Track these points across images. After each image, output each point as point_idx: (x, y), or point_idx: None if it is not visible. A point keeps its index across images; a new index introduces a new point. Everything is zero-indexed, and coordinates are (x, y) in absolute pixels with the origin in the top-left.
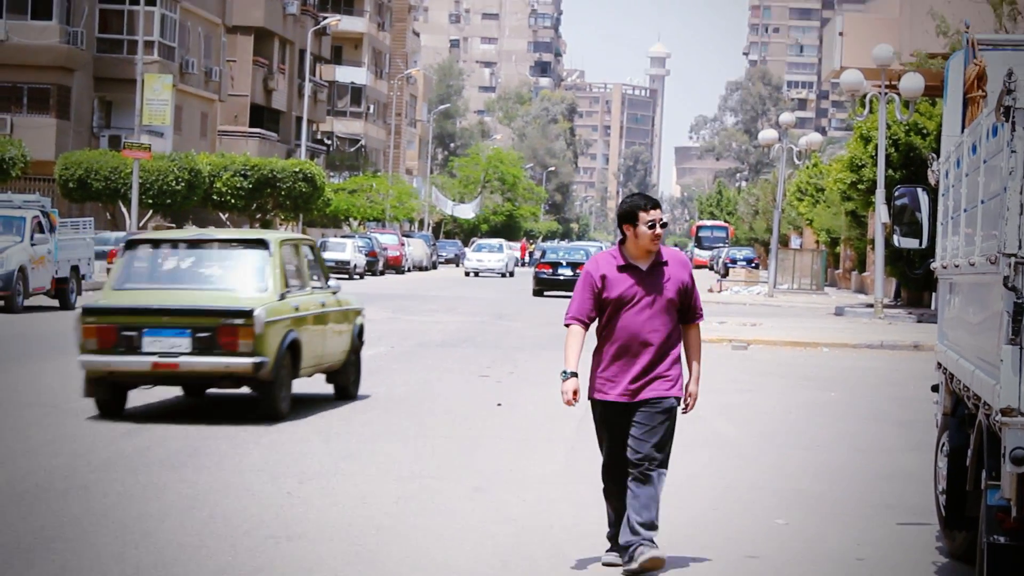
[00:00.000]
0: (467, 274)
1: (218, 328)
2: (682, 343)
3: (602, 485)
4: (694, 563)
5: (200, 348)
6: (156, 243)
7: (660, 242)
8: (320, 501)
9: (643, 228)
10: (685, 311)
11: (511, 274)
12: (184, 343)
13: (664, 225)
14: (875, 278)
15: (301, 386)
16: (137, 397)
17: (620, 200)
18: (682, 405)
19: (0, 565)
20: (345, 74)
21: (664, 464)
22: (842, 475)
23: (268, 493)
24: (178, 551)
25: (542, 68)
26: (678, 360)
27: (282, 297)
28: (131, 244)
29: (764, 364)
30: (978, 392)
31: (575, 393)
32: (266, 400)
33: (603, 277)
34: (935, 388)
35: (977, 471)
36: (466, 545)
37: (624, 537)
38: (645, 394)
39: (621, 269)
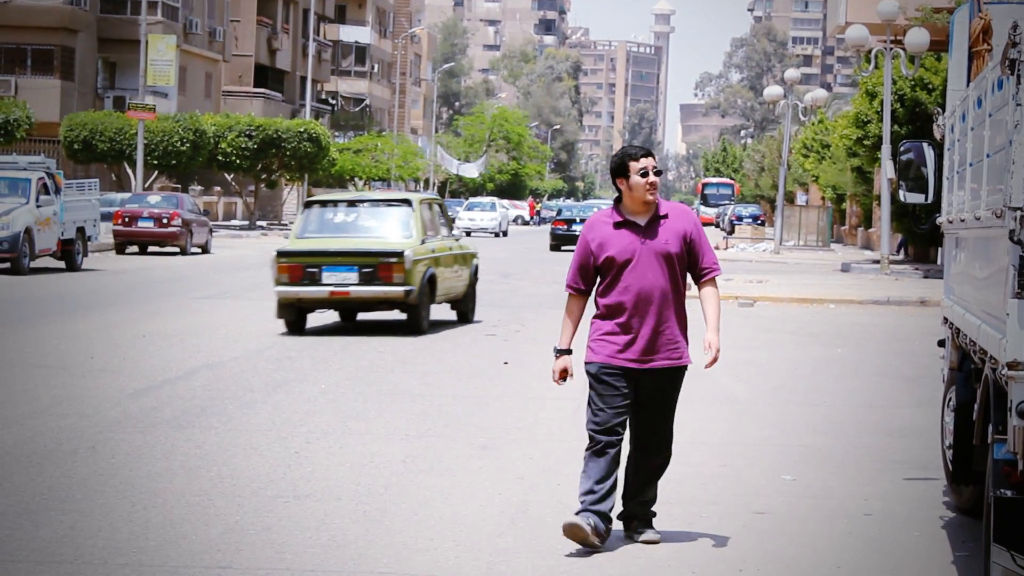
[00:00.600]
0: None
1: (378, 265)
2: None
3: (589, 447)
4: (702, 519)
5: (364, 280)
6: (325, 203)
7: (656, 192)
8: (327, 460)
9: (636, 178)
10: (695, 268)
11: (504, 234)
12: (353, 277)
13: (659, 173)
14: (881, 234)
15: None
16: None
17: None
18: (708, 357)
19: (9, 526)
20: (349, 33)
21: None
22: (849, 431)
23: (275, 453)
24: (186, 510)
25: (546, 26)
26: (686, 322)
27: (423, 242)
28: (308, 204)
29: (770, 321)
30: (984, 346)
31: (563, 372)
32: (413, 320)
33: (597, 237)
34: (941, 343)
35: (984, 425)
36: (473, 503)
37: (623, 511)
38: (656, 362)
39: (617, 226)
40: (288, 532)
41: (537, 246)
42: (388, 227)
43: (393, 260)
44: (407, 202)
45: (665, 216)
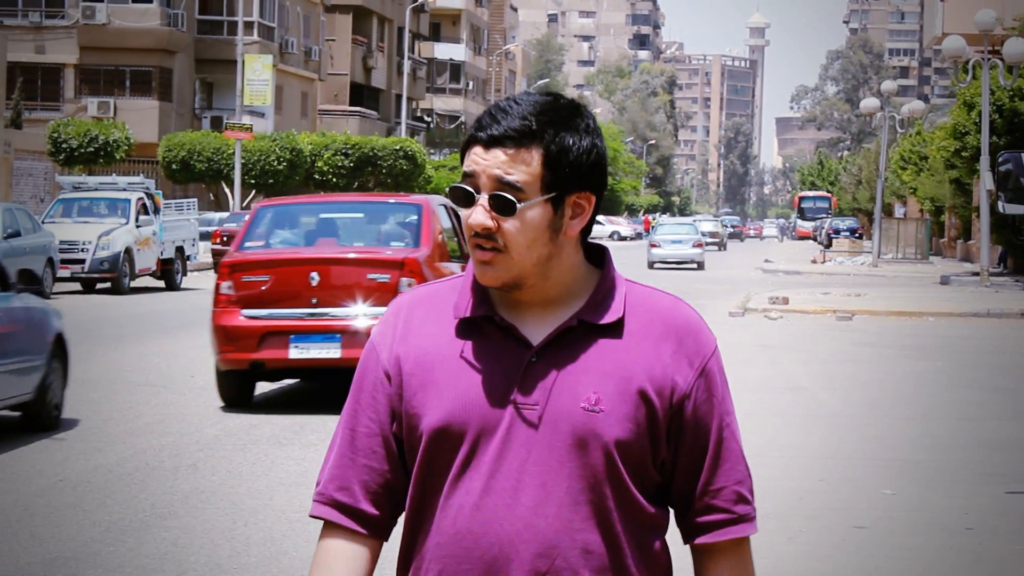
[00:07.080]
0: None
1: None
2: None
3: None
4: (802, 534)
5: None
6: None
7: (494, 265)
8: None
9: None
10: (689, 497)
11: None
12: None
13: (504, 207)
14: (981, 246)
15: None
16: None
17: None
18: None
19: (113, 542)
20: (444, 51)
21: None
22: (948, 444)
23: None
24: (287, 527)
25: (641, 41)
26: None
27: None
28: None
29: (869, 334)
30: None
31: None
32: None
33: (411, 355)
34: None
35: None
36: None
37: None
38: None
39: (465, 329)
40: (387, 549)
41: (632, 261)
42: None
43: None
44: None
45: (613, 327)
